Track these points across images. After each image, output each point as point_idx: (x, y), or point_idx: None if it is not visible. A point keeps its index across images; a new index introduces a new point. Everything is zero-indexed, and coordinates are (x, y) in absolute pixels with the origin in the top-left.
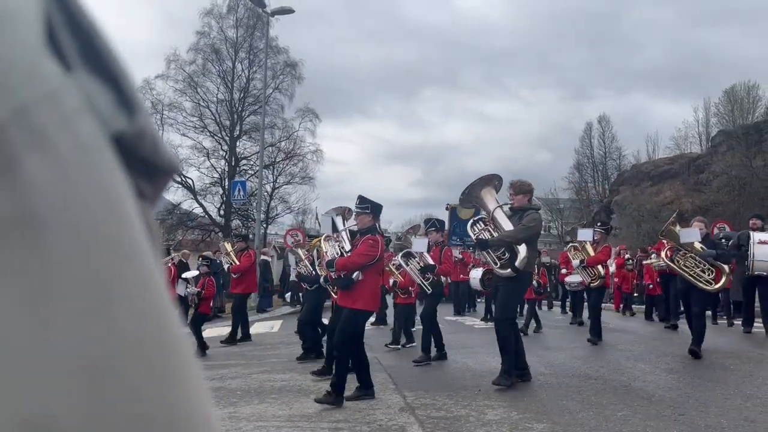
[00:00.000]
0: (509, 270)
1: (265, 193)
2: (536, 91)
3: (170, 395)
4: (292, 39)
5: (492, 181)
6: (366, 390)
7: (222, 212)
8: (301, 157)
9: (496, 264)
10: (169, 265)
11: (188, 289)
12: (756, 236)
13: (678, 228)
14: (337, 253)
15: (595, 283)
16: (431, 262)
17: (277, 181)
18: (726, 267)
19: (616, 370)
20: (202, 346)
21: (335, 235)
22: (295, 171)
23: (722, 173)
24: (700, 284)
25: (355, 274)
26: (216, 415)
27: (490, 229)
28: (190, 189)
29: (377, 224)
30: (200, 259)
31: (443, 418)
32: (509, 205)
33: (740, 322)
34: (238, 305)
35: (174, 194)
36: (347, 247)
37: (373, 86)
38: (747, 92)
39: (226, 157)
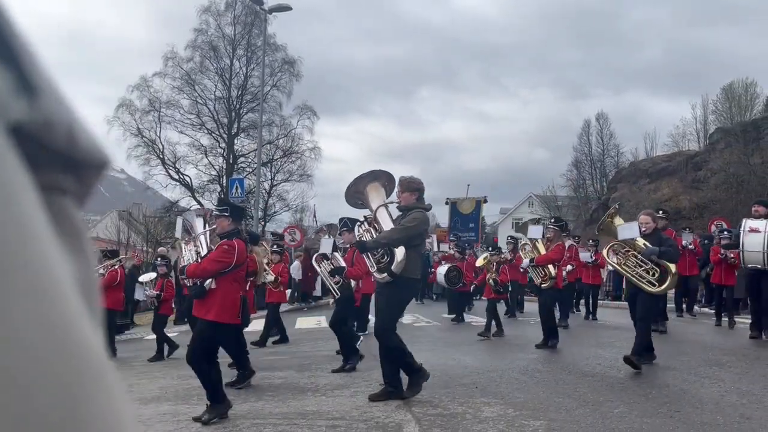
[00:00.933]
0: (385, 275)
1: (263, 191)
2: (534, 89)
3: (71, 400)
4: (290, 36)
5: (380, 177)
6: (219, 405)
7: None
8: (299, 154)
9: (373, 268)
10: (117, 267)
11: (147, 292)
12: (747, 223)
13: (617, 222)
14: (193, 258)
15: (546, 284)
16: (342, 264)
17: (275, 178)
18: (672, 266)
19: (612, 368)
20: (172, 346)
21: (192, 239)
22: (293, 168)
23: (720, 170)
24: (643, 286)
25: (207, 282)
26: (131, 418)
27: (372, 230)
28: (188, 186)
29: (240, 228)
30: (158, 258)
31: (440, 415)
32: (397, 204)
33: (748, 324)
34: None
35: (172, 192)
36: (203, 251)
37: (371, 84)
38: (745, 89)
39: (224, 154)
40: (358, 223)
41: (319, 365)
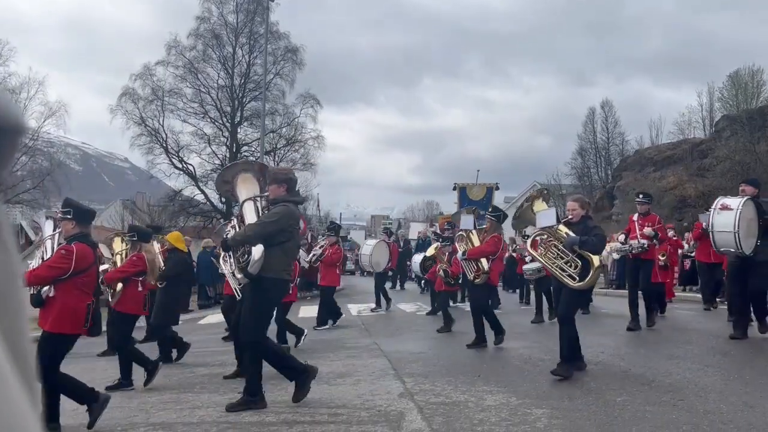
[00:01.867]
0: (242, 275)
1: None
2: (538, 77)
3: None
4: (293, 25)
5: (252, 168)
6: (53, 424)
7: (223, 199)
8: (302, 143)
9: (233, 268)
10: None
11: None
12: (719, 201)
13: (537, 208)
14: (37, 263)
15: (478, 279)
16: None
17: (279, 167)
18: (596, 258)
19: (615, 356)
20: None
21: (39, 242)
22: (296, 157)
23: (726, 158)
24: (564, 280)
25: (44, 290)
26: (33, 422)
27: (239, 227)
28: (192, 175)
29: (86, 232)
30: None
31: (442, 403)
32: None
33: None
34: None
35: (175, 181)
36: (48, 254)
37: (374, 73)
38: (751, 77)
39: (227, 143)
40: (227, 221)
41: (321, 354)
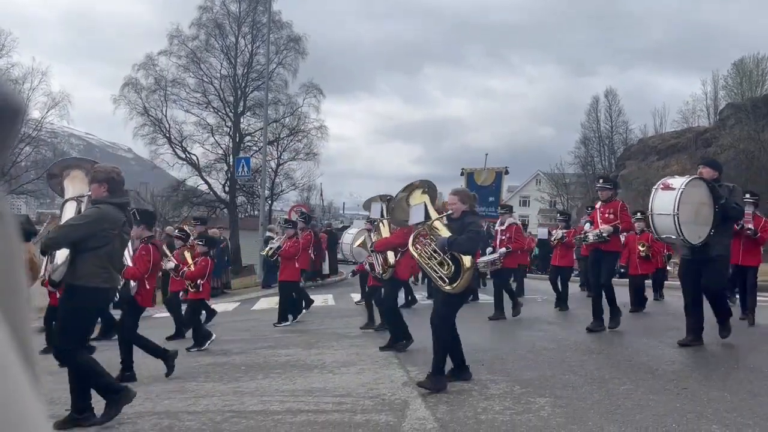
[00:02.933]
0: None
1: (270, 170)
2: (540, 66)
3: None
4: (296, 14)
5: (83, 166)
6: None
7: (227, 189)
8: (305, 133)
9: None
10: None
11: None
12: (661, 181)
13: (414, 201)
14: None
15: (386, 274)
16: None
17: (282, 157)
18: (467, 260)
19: (618, 345)
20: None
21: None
22: (299, 147)
23: (730, 147)
24: (438, 282)
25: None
26: (39, 412)
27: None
28: (195, 165)
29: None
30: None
31: (446, 392)
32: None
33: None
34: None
35: (179, 171)
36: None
37: (376, 63)
38: (756, 65)
39: (231, 133)
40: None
41: (325, 343)
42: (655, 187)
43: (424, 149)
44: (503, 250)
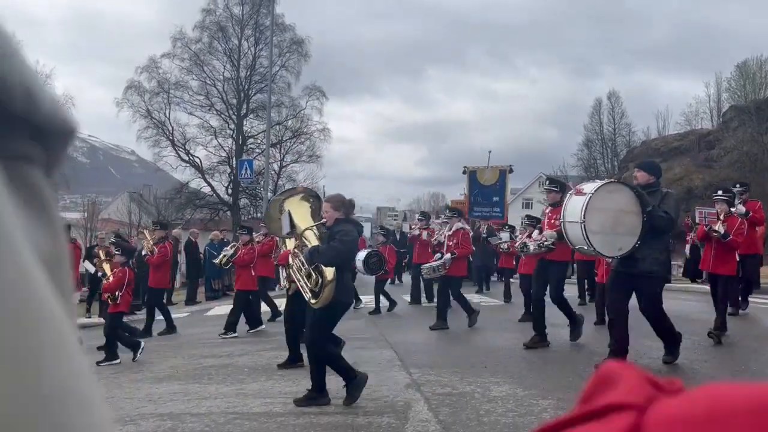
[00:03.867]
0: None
1: (273, 172)
2: (543, 68)
3: (31, 378)
4: (298, 16)
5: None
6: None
7: (230, 191)
8: (308, 135)
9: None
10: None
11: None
12: (576, 186)
13: (289, 207)
14: None
15: (290, 290)
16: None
17: (285, 159)
18: (329, 272)
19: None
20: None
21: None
22: (302, 149)
23: (733, 149)
24: (306, 295)
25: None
26: (101, 400)
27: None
28: (198, 168)
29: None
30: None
31: (449, 394)
32: None
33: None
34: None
35: (182, 173)
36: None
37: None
38: (759, 67)
39: (234, 135)
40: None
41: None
42: (570, 192)
43: (428, 151)
44: (448, 256)
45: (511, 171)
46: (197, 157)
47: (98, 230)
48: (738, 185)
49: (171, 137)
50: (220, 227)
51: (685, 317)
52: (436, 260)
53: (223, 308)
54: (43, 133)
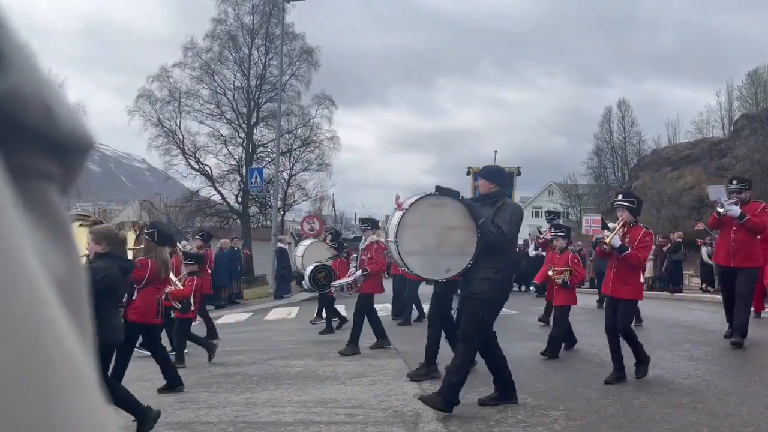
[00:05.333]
0: None
1: (282, 180)
2: (552, 77)
3: (42, 403)
4: (309, 26)
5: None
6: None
7: (240, 199)
8: (317, 144)
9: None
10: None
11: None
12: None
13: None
14: None
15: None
16: None
17: (294, 168)
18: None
19: (632, 358)
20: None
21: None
22: (311, 158)
23: (745, 158)
24: None
25: None
26: (113, 424)
27: None
28: (208, 176)
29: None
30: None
31: (458, 405)
32: None
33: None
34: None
35: (192, 181)
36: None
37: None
38: None
39: (244, 144)
40: None
41: (337, 354)
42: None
43: (437, 159)
44: (359, 273)
45: (518, 173)
46: (207, 165)
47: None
48: (735, 181)
49: (181, 146)
50: (231, 235)
51: (701, 329)
52: (346, 277)
53: (232, 316)
54: (60, 148)
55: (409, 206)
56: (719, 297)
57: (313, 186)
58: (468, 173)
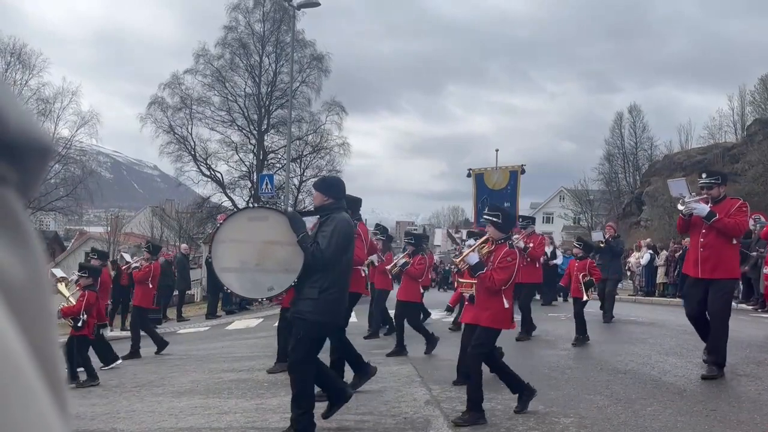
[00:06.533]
0: None
1: (293, 186)
2: (562, 83)
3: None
4: (319, 32)
5: None
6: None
7: (251, 205)
8: (327, 150)
9: None
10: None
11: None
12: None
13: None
14: None
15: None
16: None
17: (305, 174)
18: None
19: (645, 365)
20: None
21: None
22: (322, 164)
23: (758, 163)
24: None
25: None
26: (59, 429)
27: None
28: (219, 183)
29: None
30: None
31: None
32: None
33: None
34: None
35: (204, 188)
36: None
37: (398, 80)
38: None
39: (255, 150)
40: None
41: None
42: None
43: (447, 165)
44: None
45: (523, 171)
46: (218, 171)
47: (120, 244)
48: (704, 174)
49: (193, 152)
50: None
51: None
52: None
53: (243, 322)
54: (14, 151)
55: (224, 220)
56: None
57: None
58: (468, 175)
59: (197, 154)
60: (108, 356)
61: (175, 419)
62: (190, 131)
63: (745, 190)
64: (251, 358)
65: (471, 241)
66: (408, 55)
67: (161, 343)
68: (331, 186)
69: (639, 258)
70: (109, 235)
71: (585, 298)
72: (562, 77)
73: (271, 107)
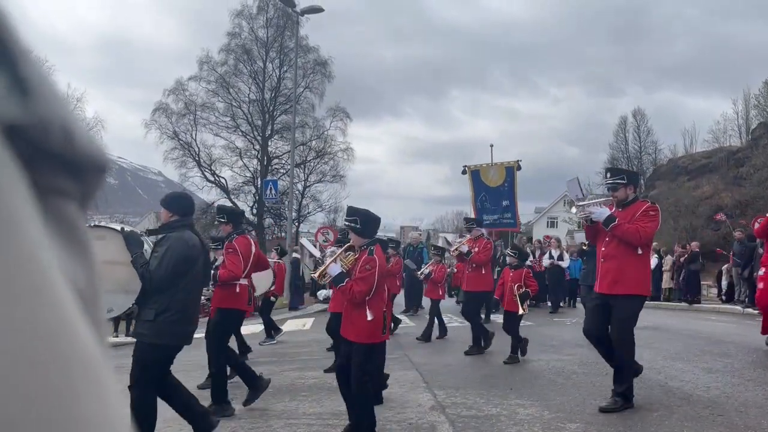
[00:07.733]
0: None
1: (297, 192)
2: (565, 87)
3: (62, 404)
4: (322, 38)
5: None
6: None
7: (255, 211)
8: (331, 155)
9: None
10: None
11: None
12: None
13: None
14: None
15: None
16: None
17: (309, 179)
18: None
19: (652, 369)
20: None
21: None
22: (326, 169)
23: (763, 166)
24: None
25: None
26: (125, 424)
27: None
28: (224, 188)
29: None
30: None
31: (474, 417)
32: None
33: None
34: None
35: (208, 193)
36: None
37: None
38: None
39: (259, 156)
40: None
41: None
42: None
43: (450, 170)
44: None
45: (519, 167)
46: (223, 177)
47: None
48: (608, 174)
49: (197, 158)
50: None
51: (720, 340)
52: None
53: (247, 328)
54: (78, 168)
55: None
56: (738, 308)
57: (328, 197)
58: (463, 172)
59: (201, 160)
60: None
61: (179, 425)
62: (194, 137)
63: (750, 194)
64: (255, 364)
65: (333, 249)
66: (411, 60)
67: None
68: (176, 201)
69: None
70: None
71: (521, 311)
72: (566, 81)
73: (275, 113)
